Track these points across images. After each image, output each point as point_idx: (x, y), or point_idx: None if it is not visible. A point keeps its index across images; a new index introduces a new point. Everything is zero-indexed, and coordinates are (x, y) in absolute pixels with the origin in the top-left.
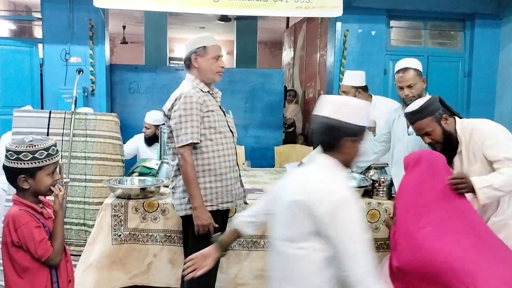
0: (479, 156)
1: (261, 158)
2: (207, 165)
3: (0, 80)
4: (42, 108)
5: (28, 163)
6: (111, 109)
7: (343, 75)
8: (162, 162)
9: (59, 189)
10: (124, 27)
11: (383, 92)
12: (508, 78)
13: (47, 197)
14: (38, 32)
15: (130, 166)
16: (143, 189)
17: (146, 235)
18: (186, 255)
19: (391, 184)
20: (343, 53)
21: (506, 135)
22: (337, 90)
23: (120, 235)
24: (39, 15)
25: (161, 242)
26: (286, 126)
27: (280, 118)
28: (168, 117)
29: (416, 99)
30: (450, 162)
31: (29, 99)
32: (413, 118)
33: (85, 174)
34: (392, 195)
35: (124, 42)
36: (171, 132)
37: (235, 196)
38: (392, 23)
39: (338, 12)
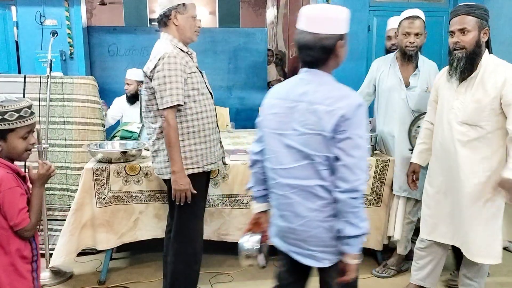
0: (491, 92)
1: (246, 119)
2: (192, 127)
3: None
4: (19, 73)
5: None
6: (91, 73)
7: None
8: (143, 125)
9: (44, 166)
10: None
11: (366, 50)
12: (492, 33)
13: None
14: None
15: (112, 130)
16: (124, 152)
17: (130, 196)
18: (172, 218)
19: (374, 141)
20: None
21: None
22: None
23: (104, 198)
24: None
25: (146, 201)
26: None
27: (264, 78)
28: (149, 78)
29: (417, 51)
30: (461, 79)
31: (5, 63)
32: (462, 9)
33: (65, 139)
34: (375, 152)
35: (102, 3)
36: (152, 94)
37: (217, 158)
38: None
39: None
